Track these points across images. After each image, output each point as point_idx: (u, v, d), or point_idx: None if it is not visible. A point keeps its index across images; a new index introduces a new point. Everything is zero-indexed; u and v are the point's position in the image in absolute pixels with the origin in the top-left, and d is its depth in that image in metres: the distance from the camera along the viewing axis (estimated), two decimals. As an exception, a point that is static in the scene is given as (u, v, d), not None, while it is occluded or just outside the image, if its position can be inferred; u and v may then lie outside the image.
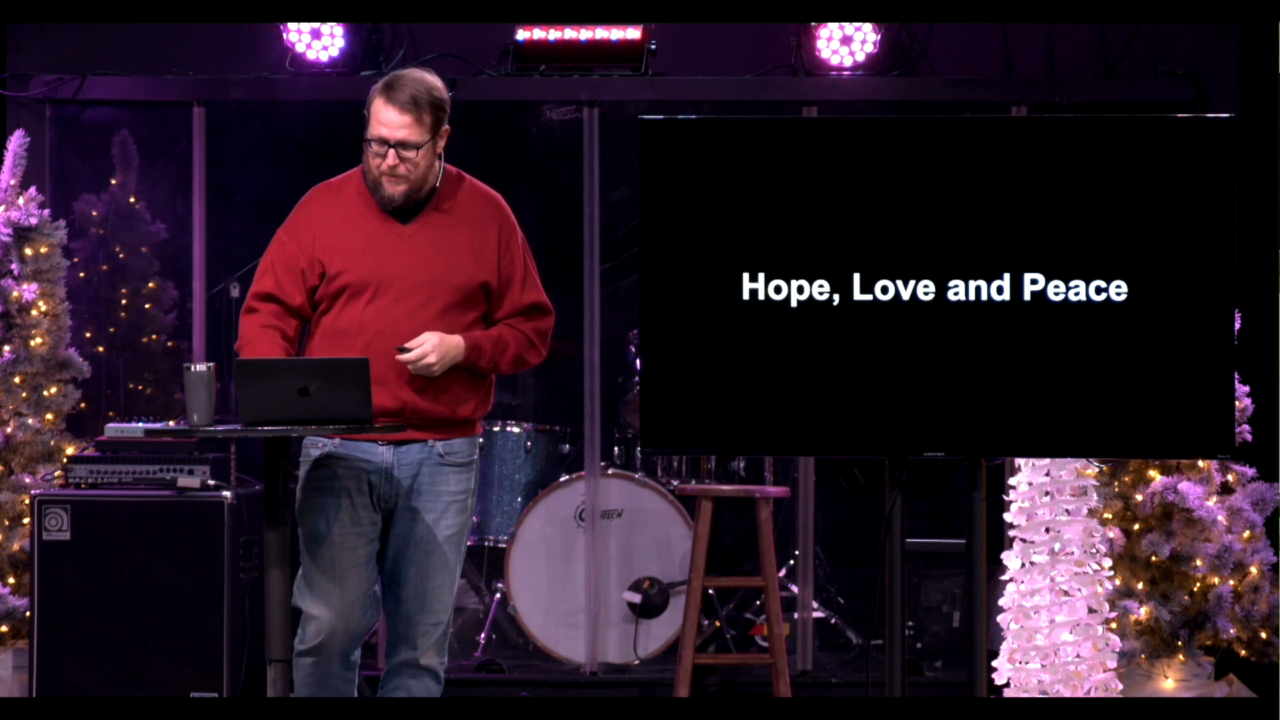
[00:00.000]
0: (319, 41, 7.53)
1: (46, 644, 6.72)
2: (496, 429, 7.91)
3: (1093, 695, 6.12)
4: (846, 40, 7.51)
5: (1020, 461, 6.23)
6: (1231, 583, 6.79)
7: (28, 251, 7.18)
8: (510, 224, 5.24)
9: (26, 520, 6.95)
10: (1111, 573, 6.23)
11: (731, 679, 7.51)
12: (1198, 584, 6.81)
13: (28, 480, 7.06)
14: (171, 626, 6.68)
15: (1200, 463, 6.83)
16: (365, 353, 5.03)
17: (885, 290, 4.65)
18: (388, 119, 5.07)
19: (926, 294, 4.65)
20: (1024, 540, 6.16)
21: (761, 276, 4.67)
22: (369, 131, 5.10)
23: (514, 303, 5.22)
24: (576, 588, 7.54)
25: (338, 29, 7.54)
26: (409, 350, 5.01)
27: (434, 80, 5.15)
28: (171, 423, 6.65)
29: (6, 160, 7.18)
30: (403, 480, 5.15)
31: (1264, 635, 6.79)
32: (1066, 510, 6.14)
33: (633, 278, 8.16)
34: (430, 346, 5.03)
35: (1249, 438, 6.81)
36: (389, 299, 5.08)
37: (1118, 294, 4.61)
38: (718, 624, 7.63)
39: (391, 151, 5.07)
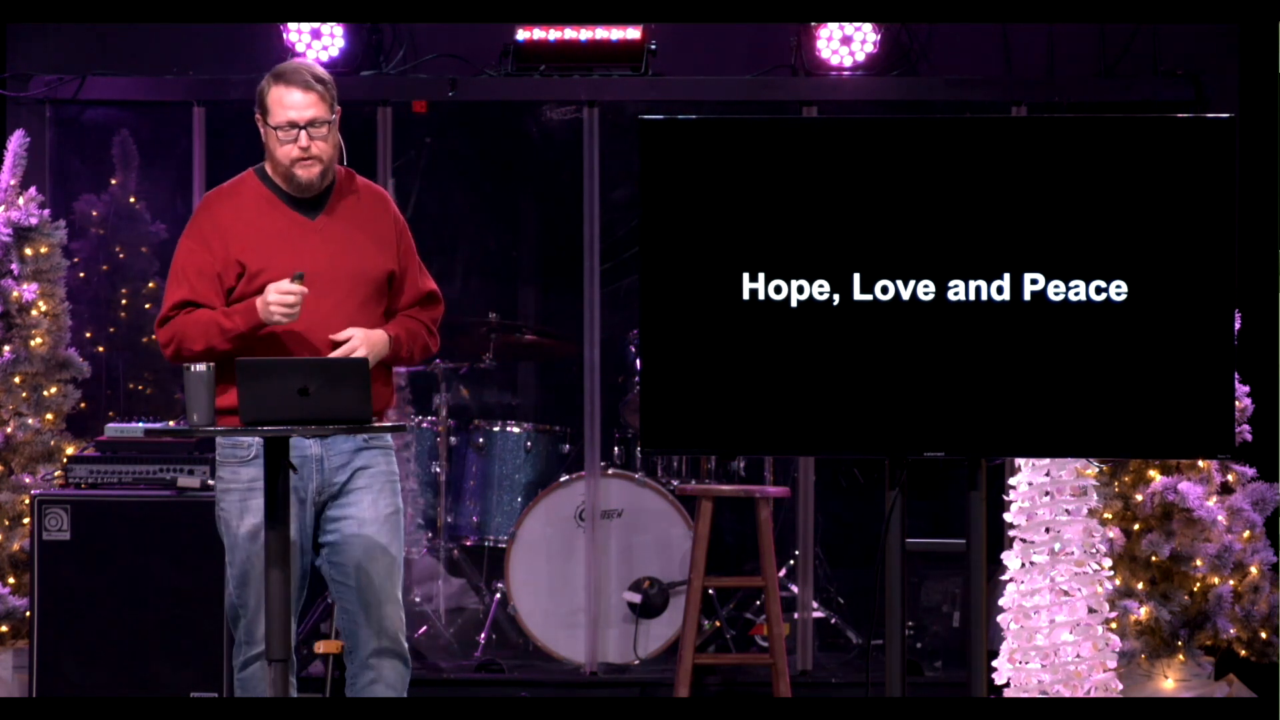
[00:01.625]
0: (319, 41, 7.53)
1: (46, 644, 6.71)
2: (496, 429, 7.91)
3: (1093, 695, 6.12)
4: (846, 40, 7.51)
5: (1020, 461, 6.23)
6: (1231, 583, 6.79)
7: (28, 251, 7.18)
8: (399, 215, 5.32)
9: (26, 520, 6.95)
10: (1111, 573, 6.23)
11: (731, 679, 7.51)
12: (1198, 584, 6.82)
13: (28, 480, 7.06)
14: (171, 626, 6.68)
15: (1200, 463, 6.83)
16: (293, 346, 5.08)
17: (885, 290, 4.65)
18: (293, 101, 5.10)
19: (926, 294, 4.65)
20: (1024, 540, 6.16)
21: (761, 276, 4.67)
22: (273, 119, 5.11)
23: (414, 291, 5.25)
24: (576, 588, 7.54)
25: (338, 29, 7.54)
26: (341, 345, 5.04)
27: (318, 65, 5.26)
28: (171, 423, 6.65)
29: (6, 160, 7.18)
30: (335, 468, 5.16)
31: (1264, 635, 6.79)
32: (1066, 510, 6.14)
33: (633, 278, 8.15)
34: (359, 340, 5.06)
35: (1249, 438, 6.81)
36: (312, 294, 5.08)
37: (1118, 294, 4.61)
38: (718, 624, 7.63)
39: (303, 133, 5.10)
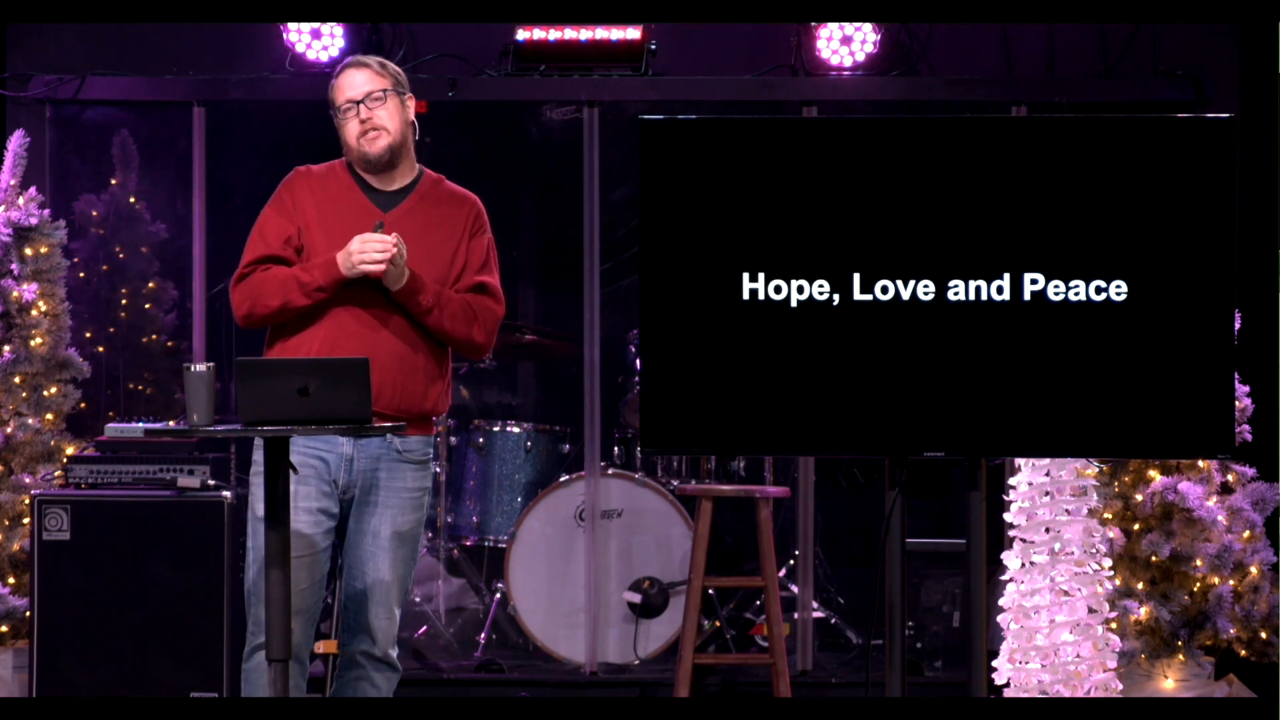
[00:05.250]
0: (319, 41, 7.54)
1: (46, 644, 6.72)
2: (496, 429, 7.91)
3: (1093, 695, 6.12)
4: (846, 40, 7.51)
5: (1020, 461, 6.23)
6: (1231, 583, 6.80)
7: (28, 251, 7.18)
8: (483, 220, 5.33)
9: (26, 520, 6.95)
10: (1111, 573, 6.23)
11: (731, 679, 7.51)
12: (1198, 584, 6.82)
13: (28, 480, 7.06)
14: (171, 626, 6.68)
15: (1200, 463, 6.83)
16: (339, 330, 5.11)
17: (885, 290, 4.65)
18: (351, 81, 5.24)
19: (926, 294, 4.65)
20: (1024, 540, 6.17)
21: (761, 276, 4.67)
22: (337, 103, 5.25)
23: (467, 281, 5.26)
24: (576, 588, 7.54)
25: (338, 29, 7.54)
26: (384, 232, 5.07)
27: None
28: (171, 423, 6.64)
29: (6, 160, 7.18)
30: (362, 472, 5.19)
31: (1264, 635, 6.80)
32: (1066, 510, 6.14)
33: (633, 278, 8.15)
34: (397, 240, 5.07)
35: (1249, 438, 6.81)
36: (368, 280, 5.11)
37: (1118, 294, 4.61)
38: (718, 624, 7.63)
39: (362, 106, 5.20)
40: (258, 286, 5.17)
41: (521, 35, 7.51)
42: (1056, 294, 4.62)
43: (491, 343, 5.31)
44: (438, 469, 7.87)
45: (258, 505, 5.21)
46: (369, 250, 5.06)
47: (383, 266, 5.05)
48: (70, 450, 7.12)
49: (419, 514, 5.26)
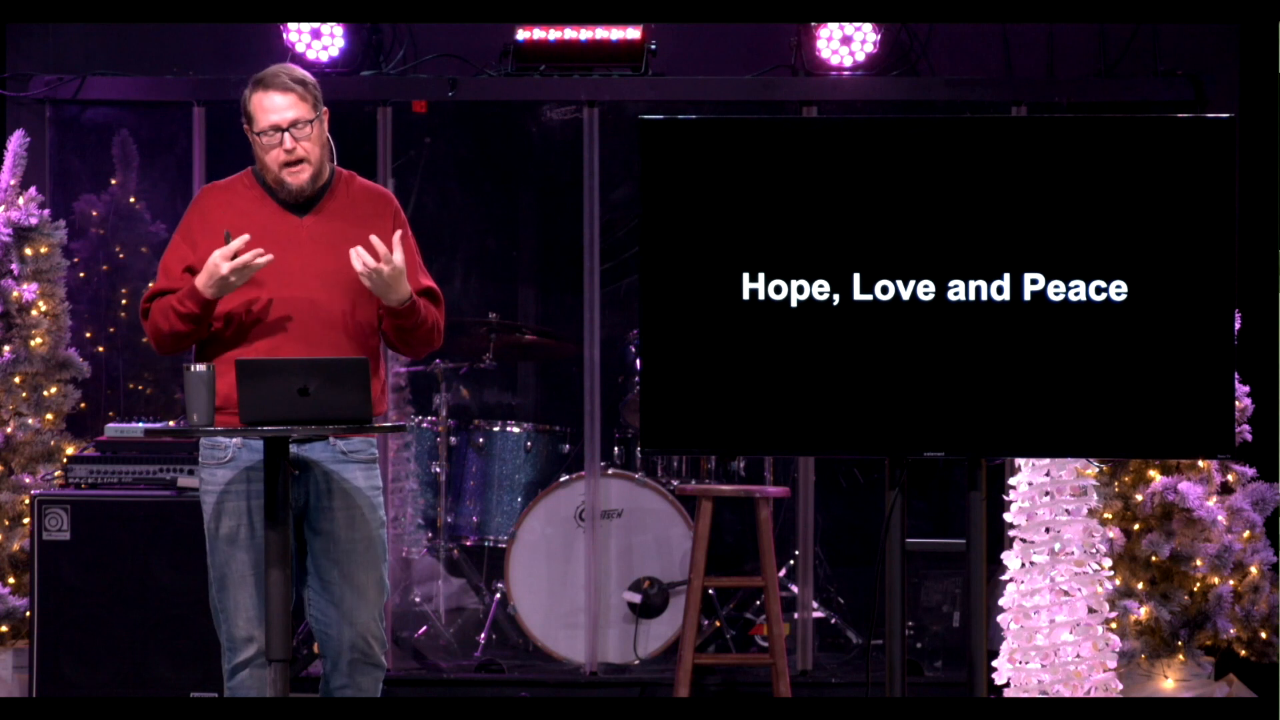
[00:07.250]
0: (319, 41, 7.54)
1: (46, 644, 6.72)
2: (496, 429, 7.91)
3: (1093, 695, 6.12)
4: (846, 40, 7.51)
5: (1020, 461, 6.23)
6: (1231, 583, 6.80)
7: (28, 251, 7.18)
8: (401, 216, 5.26)
9: (26, 520, 6.95)
10: (1111, 573, 6.24)
11: (731, 679, 7.51)
12: (1198, 584, 6.82)
13: (28, 480, 7.06)
14: (171, 626, 6.68)
15: (1200, 463, 6.83)
16: (279, 345, 5.07)
17: (885, 290, 4.65)
18: (273, 104, 5.11)
19: (926, 294, 4.65)
20: (1024, 540, 6.17)
21: (761, 276, 4.67)
22: (256, 126, 5.13)
23: (414, 286, 5.20)
24: (576, 588, 7.54)
25: (338, 29, 7.54)
26: (380, 254, 5.00)
27: (298, 67, 5.23)
28: (171, 423, 6.65)
29: (6, 160, 7.18)
30: (313, 479, 5.15)
31: (1264, 635, 6.80)
32: (1066, 510, 6.14)
33: (633, 278, 8.16)
34: (399, 258, 5.02)
35: (1249, 438, 6.81)
36: (294, 291, 5.09)
37: (1118, 294, 4.61)
38: (718, 624, 7.63)
39: (286, 135, 5.10)
40: (153, 319, 5.16)
41: (521, 35, 7.51)
42: (1056, 294, 4.62)
43: (441, 340, 5.30)
44: (437, 469, 7.87)
45: (210, 524, 5.16)
46: (205, 277, 5.01)
47: (228, 270, 4.97)
48: (70, 450, 7.12)
49: (379, 513, 5.19)
